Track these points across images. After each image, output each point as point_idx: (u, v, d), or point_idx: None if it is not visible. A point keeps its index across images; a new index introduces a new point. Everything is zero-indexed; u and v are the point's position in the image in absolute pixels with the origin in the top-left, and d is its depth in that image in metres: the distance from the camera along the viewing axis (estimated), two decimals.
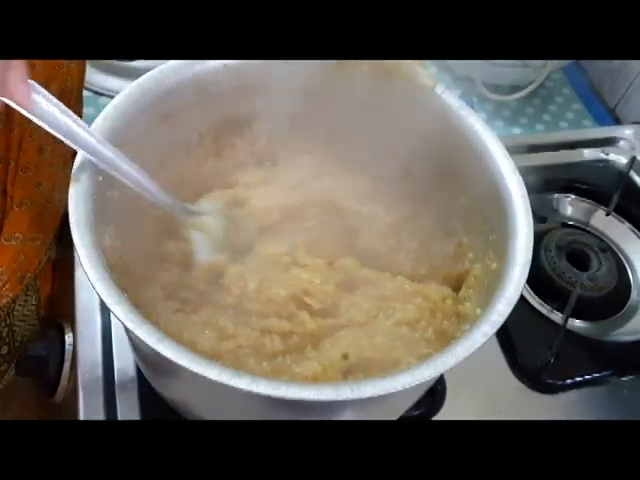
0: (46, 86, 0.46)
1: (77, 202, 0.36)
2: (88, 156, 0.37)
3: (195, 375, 0.31)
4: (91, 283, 0.33)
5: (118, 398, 0.48)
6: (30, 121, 0.46)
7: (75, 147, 0.37)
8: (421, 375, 0.32)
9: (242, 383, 0.30)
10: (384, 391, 0.31)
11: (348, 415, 0.37)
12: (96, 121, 0.40)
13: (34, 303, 0.55)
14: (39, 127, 0.47)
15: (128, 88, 0.43)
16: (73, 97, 0.52)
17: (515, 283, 0.38)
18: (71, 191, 0.36)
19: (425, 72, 0.46)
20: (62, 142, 0.52)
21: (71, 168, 0.38)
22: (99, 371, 0.50)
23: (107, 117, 0.40)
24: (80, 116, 0.56)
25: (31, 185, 0.48)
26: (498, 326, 0.36)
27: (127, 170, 0.38)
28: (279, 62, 0.46)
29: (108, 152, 0.37)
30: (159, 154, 0.46)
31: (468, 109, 0.47)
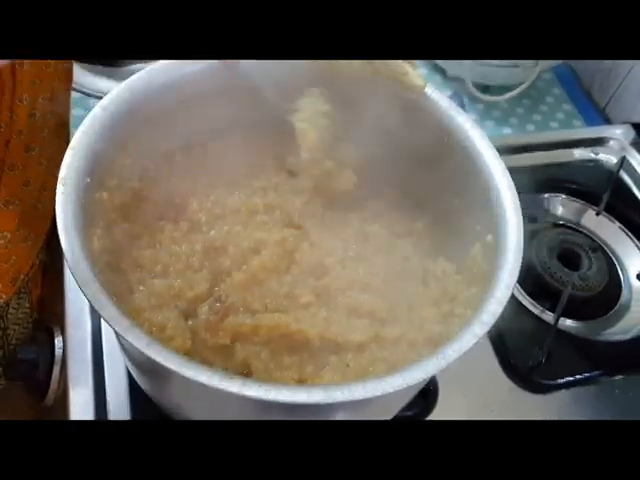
0: (35, 85, 0.46)
1: (64, 205, 0.36)
2: None
3: (186, 379, 0.31)
4: (80, 287, 0.33)
5: (109, 401, 0.48)
6: (17, 119, 0.46)
7: None
8: (412, 377, 0.32)
9: (233, 387, 0.30)
10: (374, 393, 0.31)
11: (339, 417, 0.37)
12: (84, 122, 0.40)
13: (27, 306, 0.55)
14: (27, 125, 0.47)
15: (117, 89, 0.42)
16: (61, 95, 0.52)
17: (506, 283, 0.38)
18: (58, 194, 0.36)
19: (415, 72, 0.46)
20: (50, 141, 0.52)
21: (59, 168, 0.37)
22: (89, 374, 0.49)
23: (95, 117, 0.40)
24: (68, 115, 0.56)
25: (18, 184, 0.48)
26: (489, 327, 0.36)
27: None
28: (267, 63, 0.46)
29: None
30: (150, 155, 0.46)
31: (458, 110, 0.47)
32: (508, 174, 0.44)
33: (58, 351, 0.51)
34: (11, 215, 0.48)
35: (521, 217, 0.42)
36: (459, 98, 0.76)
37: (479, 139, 0.45)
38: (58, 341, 0.52)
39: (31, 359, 0.51)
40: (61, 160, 0.38)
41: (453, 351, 0.34)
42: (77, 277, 0.33)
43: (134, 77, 0.43)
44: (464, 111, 0.47)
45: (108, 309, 0.32)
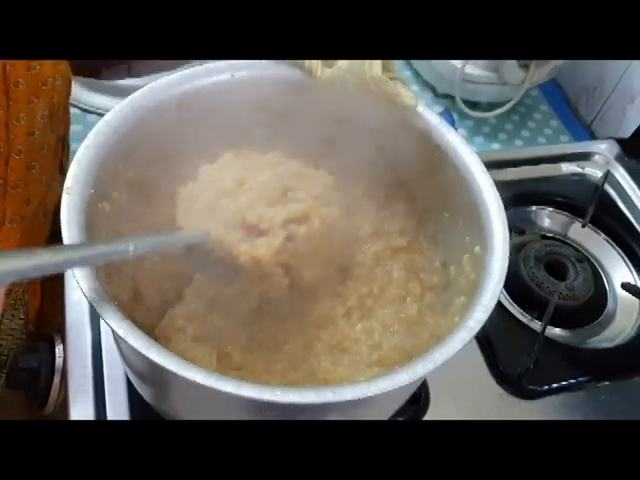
0: (32, 103, 0.47)
1: (69, 214, 0.37)
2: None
3: (183, 380, 0.32)
4: (82, 292, 0.34)
5: (109, 410, 0.49)
6: (15, 139, 0.47)
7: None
8: (400, 379, 0.34)
9: (228, 387, 0.31)
10: (364, 394, 0.32)
11: (332, 418, 0.38)
12: (88, 136, 0.41)
13: (22, 317, 0.56)
14: (26, 144, 0.48)
15: (120, 105, 0.44)
16: (60, 111, 0.53)
17: (492, 292, 0.39)
18: (63, 203, 0.37)
19: (407, 92, 0.48)
20: (50, 158, 0.53)
21: (57, 184, 0.38)
22: (89, 383, 0.50)
23: (99, 133, 0.42)
24: (67, 130, 0.57)
25: (21, 201, 0.49)
26: (475, 332, 0.37)
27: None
28: (262, 82, 0.48)
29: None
30: (150, 170, 0.48)
31: (448, 127, 0.48)
32: (495, 188, 0.45)
33: (59, 360, 0.52)
34: (14, 232, 0.49)
35: (507, 229, 0.43)
36: (449, 115, 0.79)
37: (468, 155, 0.46)
38: (59, 350, 0.53)
39: (32, 368, 0.52)
40: (58, 176, 0.39)
41: (441, 355, 0.35)
42: (80, 282, 0.34)
43: (137, 93, 0.45)
44: (454, 128, 0.49)
45: (109, 313, 0.33)
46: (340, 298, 0.47)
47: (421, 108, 0.48)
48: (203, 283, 0.44)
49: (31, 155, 0.48)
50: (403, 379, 0.34)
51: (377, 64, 0.45)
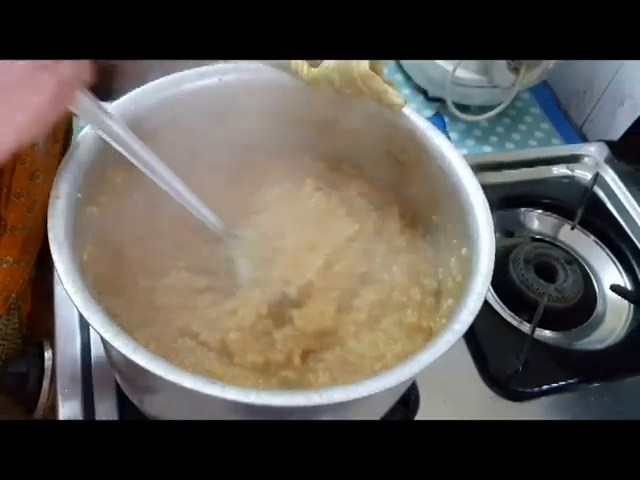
0: None
1: (56, 218, 0.37)
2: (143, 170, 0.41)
3: (170, 384, 0.32)
4: (69, 296, 0.34)
5: (97, 414, 0.49)
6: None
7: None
8: (387, 381, 0.34)
9: (214, 390, 0.31)
10: (351, 396, 0.32)
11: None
12: (75, 140, 0.41)
13: (16, 322, 0.56)
14: (30, 154, 0.48)
15: (108, 108, 0.44)
16: (63, 122, 0.53)
17: (477, 294, 0.39)
18: (50, 208, 0.37)
19: (394, 91, 0.48)
20: (53, 167, 0.53)
21: None
22: (78, 387, 0.50)
23: (87, 135, 0.42)
24: (70, 140, 0.58)
25: (23, 210, 0.49)
26: (461, 334, 0.37)
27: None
28: (251, 85, 0.48)
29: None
30: (140, 174, 0.47)
31: (435, 130, 0.48)
32: (482, 191, 0.45)
33: (48, 364, 0.52)
34: (15, 240, 0.49)
35: (493, 232, 0.43)
36: (440, 118, 0.79)
37: (455, 159, 0.47)
38: (48, 354, 0.53)
39: (21, 372, 0.52)
40: None
41: (427, 357, 0.35)
42: (66, 286, 0.34)
43: (124, 98, 0.45)
44: (444, 131, 0.49)
45: (95, 316, 0.33)
46: (351, 314, 0.46)
47: (409, 111, 0.48)
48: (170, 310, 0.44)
49: (35, 165, 0.49)
50: (389, 381, 0.34)
51: (364, 61, 0.45)
